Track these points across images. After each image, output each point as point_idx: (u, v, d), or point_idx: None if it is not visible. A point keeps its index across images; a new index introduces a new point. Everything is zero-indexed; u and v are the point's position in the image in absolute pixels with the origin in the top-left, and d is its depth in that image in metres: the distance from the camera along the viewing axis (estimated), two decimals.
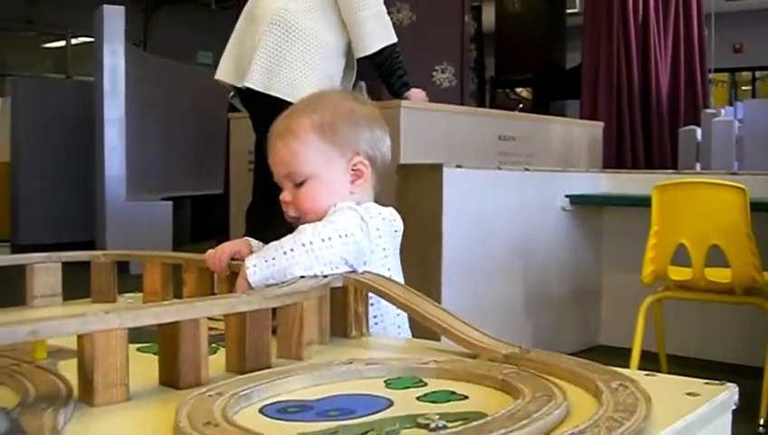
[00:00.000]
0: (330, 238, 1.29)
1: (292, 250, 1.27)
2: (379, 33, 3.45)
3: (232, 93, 3.63)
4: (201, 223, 9.85)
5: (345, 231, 1.31)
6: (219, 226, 7.90)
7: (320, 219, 1.37)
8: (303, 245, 1.27)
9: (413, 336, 1.44)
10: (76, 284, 1.78)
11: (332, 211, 1.39)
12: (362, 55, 3.46)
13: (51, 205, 8.65)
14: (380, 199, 1.52)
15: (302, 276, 1.25)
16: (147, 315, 0.95)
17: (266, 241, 1.39)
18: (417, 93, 3.77)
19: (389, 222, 1.44)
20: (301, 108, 1.53)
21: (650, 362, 3.30)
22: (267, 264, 1.27)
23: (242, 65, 3.44)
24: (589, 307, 4.46)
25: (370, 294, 1.31)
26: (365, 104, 1.53)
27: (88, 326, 0.91)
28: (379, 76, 3.63)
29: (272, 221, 1.61)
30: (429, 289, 2.04)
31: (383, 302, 1.31)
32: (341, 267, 1.29)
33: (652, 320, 3.49)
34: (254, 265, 1.27)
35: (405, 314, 1.44)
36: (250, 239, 1.53)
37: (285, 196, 1.47)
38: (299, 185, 1.45)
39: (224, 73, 3.57)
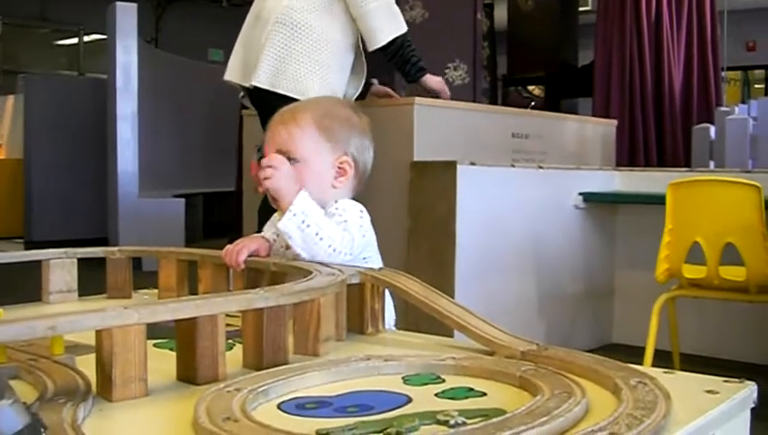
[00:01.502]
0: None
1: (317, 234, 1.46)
2: (388, 25, 3.43)
3: (242, 94, 3.63)
4: (213, 220, 9.85)
5: (361, 218, 1.55)
6: (231, 223, 7.89)
7: None
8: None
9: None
10: (89, 280, 1.78)
11: (335, 206, 1.55)
12: (374, 48, 3.45)
13: (63, 201, 8.65)
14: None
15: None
16: (165, 311, 0.96)
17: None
18: (433, 79, 3.74)
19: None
20: (305, 103, 1.75)
21: (663, 360, 3.29)
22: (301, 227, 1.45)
23: (249, 65, 3.44)
24: (601, 305, 4.44)
25: None
26: (360, 116, 1.67)
27: (107, 322, 0.91)
28: (395, 66, 3.62)
29: None
30: (442, 285, 2.02)
31: None
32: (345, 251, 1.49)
33: (665, 318, 3.47)
34: (294, 219, 1.44)
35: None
36: (267, 236, 1.54)
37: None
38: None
39: (232, 74, 3.58)
